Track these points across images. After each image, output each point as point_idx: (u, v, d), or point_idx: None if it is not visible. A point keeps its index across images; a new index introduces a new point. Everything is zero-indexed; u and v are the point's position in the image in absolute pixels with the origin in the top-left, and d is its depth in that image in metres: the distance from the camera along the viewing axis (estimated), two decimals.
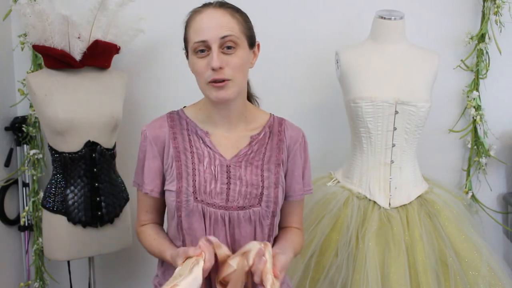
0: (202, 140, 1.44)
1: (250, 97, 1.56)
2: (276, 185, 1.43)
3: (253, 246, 1.30)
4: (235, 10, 1.40)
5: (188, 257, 1.28)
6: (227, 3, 1.41)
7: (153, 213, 1.51)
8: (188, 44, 1.39)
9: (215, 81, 1.35)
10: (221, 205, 1.39)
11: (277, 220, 1.47)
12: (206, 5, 1.39)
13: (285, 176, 1.48)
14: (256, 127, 1.48)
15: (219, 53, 1.33)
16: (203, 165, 1.41)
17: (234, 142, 1.45)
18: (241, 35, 1.37)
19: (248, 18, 1.43)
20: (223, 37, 1.33)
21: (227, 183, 1.41)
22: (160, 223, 1.54)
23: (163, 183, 1.46)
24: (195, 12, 1.39)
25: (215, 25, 1.34)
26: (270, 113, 1.54)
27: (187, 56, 1.44)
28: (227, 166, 1.42)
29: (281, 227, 1.53)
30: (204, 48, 1.34)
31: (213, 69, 1.33)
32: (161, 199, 1.48)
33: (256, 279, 1.27)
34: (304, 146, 1.51)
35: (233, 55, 1.35)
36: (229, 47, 1.34)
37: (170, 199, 1.41)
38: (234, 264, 1.29)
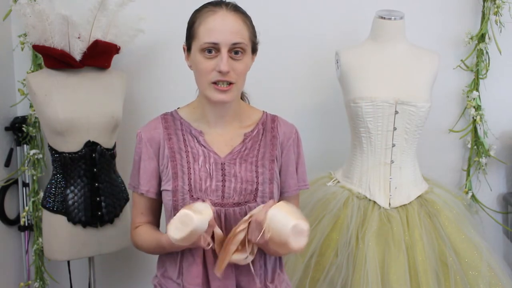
0: (196, 139, 1.45)
1: (241, 95, 1.57)
2: (271, 180, 1.44)
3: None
4: (245, 16, 1.41)
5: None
6: (239, 7, 1.42)
7: (148, 216, 1.51)
8: (195, 41, 1.39)
9: (217, 83, 1.36)
10: (217, 202, 1.41)
11: None
12: (218, 5, 1.39)
13: (279, 172, 1.49)
14: (249, 125, 1.50)
15: (228, 57, 1.35)
16: (198, 164, 1.43)
17: (228, 140, 1.46)
18: (248, 42, 1.40)
19: (253, 24, 1.44)
20: (234, 44, 1.35)
21: (222, 181, 1.42)
22: (156, 225, 1.54)
23: (159, 184, 1.47)
24: (208, 10, 1.38)
25: (229, 29, 1.35)
26: (263, 111, 1.55)
27: (187, 50, 1.44)
28: (221, 164, 1.43)
29: None
30: (212, 49, 1.35)
31: (220, 72, 1.34)
32: (157, 200, 1.48)
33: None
34: (297, 142, 1.53)
35: (240, 61, 1.38)
36: (236, 52, 1.37)
37: (167, 198, 1.42)
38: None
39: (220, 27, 1.35)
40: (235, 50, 1.36)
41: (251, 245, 1.36)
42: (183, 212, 1.24)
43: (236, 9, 1.40)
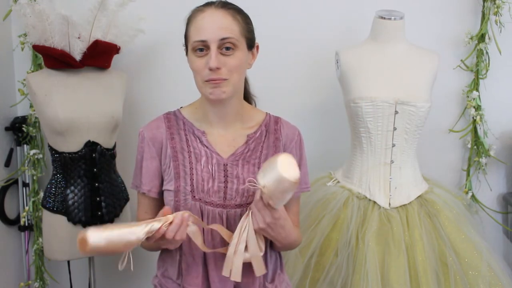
0: (199, 139, 1.45)
1: (248, 96, 1.56)
2: None
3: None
4: (237, 11, 1.41)
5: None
6: (230, 3, 1.42)
7: (152, 215, 1.50)
8: (188, 42, 1.40)
9: (211, 81, 1.36)
10: (218, 203, 1.40)
11: None
12: (208, 4, 1.40)
13: None
14: (252, 126, 1.49)
15: (217, 53, 1.34)
16: (201, 164, 1.42)
17: (230, 141, 1.46)
18: (240, 37, 1.38)
19: (249, 19, 1.44)
20: (223, 39, 1.35)
21: (224, 182, 1.42)
22: None
23: (161, 184, 1.46)
24: (197, 10, 1.40)
25: (216, 26, 1.35)
26: (266, 112, 1.54)
27: (186, 53, 1.45)
28: (224, 164, 1.43)
29: None
30: (203, 47, 1.35)
31: (211, 69, 1.34)
32: (160, 199, 1.48)
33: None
34: (300, 144, 1.52)
35: (231, 56, 1.36)
36: (227, 48, 1.36)
37: (169, 198, 1.42)
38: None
39: (208, 25, 1.35)
40: (225, 46, 1.35)
41: (258, 238, 1.35)
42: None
43: (225, 5, 1.40)
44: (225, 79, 1.36)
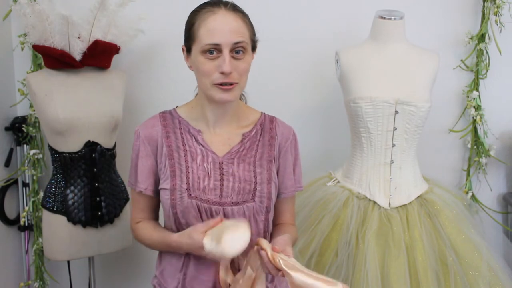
0: (194, 138, 1.45)
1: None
2: (269, 181, 1.44)
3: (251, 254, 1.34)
4: (244, 15, 1.41)
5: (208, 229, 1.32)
6: (238, 6, 1.41)
7: (148, 212, 1.51)
8: (195, 43, 1.38)
9: (222, 84, 1.36)
10: (215, 201, 1.40)
11: (271, 216, 1.48)
12: (216, 5, 1.38)
13: (277, 173, 1.49)
14: (247, 125, 1.50)
15: (230, 57, 1.34)
16: (196, 163, 1.43)
17: (226, 139, 1.46)
18: (249, 41, 1.39)
19: (251, 22, 1.44)
20: (236, 43, 1.35)
21: (220, 180, 1.42)
22: (156, 220, 1.55)
23: (157, 182, 1.46)
24: (207, 11, 1.37)
25: (229, 29, 1.35)
26: (261, 111, 1.55)
27: (186, 51, 1.43)
28: (219, 163, 1.43)
29: (274, 224, 1.54)
30: (214, 50, 1.35)
31: (223, 73, 1.34)
32: (156, 198, 1.48)
33: (272, 271, 1.30)
34: (294, 144, 1.53)
35: (242, 60, 1.37)
36: (238, 52, 1.36)
37: (165, 197, 1.42)
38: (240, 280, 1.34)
39: (221, 27, 1.34)
40: (236, 50, 1.35)
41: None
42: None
43: (235, 8, 1.40)
44: (236, 82, 1.36)
